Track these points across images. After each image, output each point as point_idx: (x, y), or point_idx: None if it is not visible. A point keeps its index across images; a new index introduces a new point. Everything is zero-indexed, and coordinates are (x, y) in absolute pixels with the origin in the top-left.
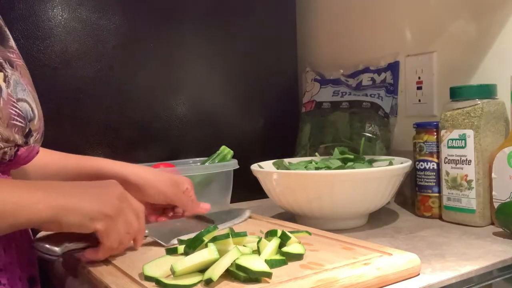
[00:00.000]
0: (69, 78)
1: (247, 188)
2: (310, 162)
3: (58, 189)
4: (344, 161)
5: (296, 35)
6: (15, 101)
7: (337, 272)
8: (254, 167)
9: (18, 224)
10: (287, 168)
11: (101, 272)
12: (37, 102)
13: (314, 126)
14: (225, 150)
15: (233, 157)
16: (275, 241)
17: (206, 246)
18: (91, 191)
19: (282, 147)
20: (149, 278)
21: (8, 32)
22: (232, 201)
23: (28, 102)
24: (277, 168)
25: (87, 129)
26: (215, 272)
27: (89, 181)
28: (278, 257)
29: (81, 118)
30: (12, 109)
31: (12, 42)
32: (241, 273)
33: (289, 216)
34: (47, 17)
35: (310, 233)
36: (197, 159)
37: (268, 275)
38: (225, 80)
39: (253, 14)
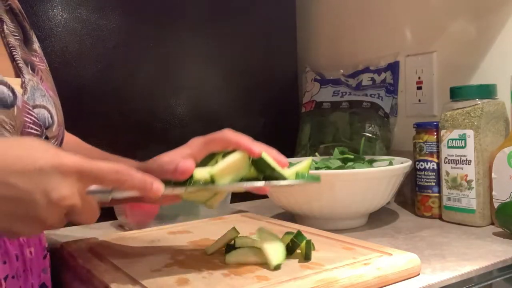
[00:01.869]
0: (69, 78)
1: None
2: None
3: None
4: (344, 161)
5: (296, 35)
6: (31, 108)
7: (337, 272)
8: None
9: None
10: None
11: (101, 272)
12: (58, 108)
13: (314, 126)
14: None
15: None
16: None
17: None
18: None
19: (282, 147)
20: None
21: (33, 35)
22: (232, 201)
23: (47, 108)
24: None
25: (87, 129)
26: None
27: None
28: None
29: (81, 118)
30: (27, 117)
31: (36, 46)
32: (264, 167)
33: (289, 216)
34: (47, 17)
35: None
36: None
37: (283, 177)
38: (225, 80)
39: (253, 14)
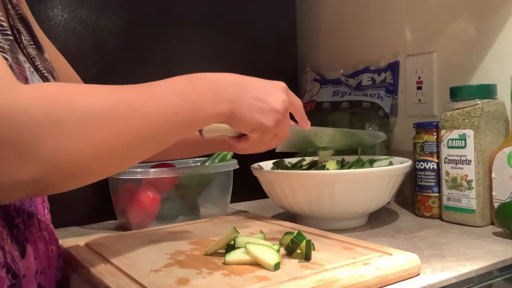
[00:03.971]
0: None
1: (247, 188)
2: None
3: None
4: (342, 165)
5: (296, 35)
6: None
7: (337, 272)
8: (254, 167)
9: (198, 118)
10: (287, 168)
11: (101, 272)
12: None
13: (314, 126)
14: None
15: (233, 157)
16: None
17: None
18: (258, 102)
19: None
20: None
21: (42, 45)
22: (232, 201)
23: None
24: (277, 168)
25: None
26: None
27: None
28: None
29: None
30: None
31: (46, 55)
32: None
33: (289, 216)
34: (47, 17)
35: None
36: (197, 159)
37: None
38: None
39: (253, 14)
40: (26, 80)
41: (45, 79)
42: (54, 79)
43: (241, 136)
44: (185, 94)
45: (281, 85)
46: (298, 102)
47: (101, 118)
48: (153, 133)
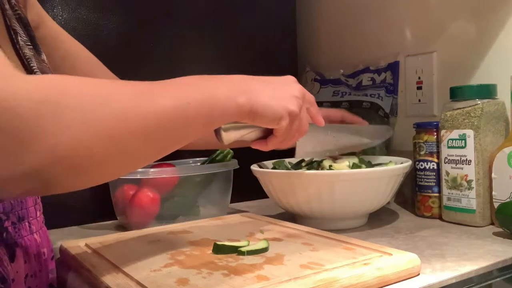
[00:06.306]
0: None
1: (247, 188)
2: (312, 162)
3: (249, 85)
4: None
5: (296, 35)
6: None
7: (337, 272)
8: (254, 167)
9: (214, 109)
10: (287, 168)
11: (101, 272)
12: None
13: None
14: (225, 150)
15: (233, 157)
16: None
17: None
18: (277, 91)
19: None
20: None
21: (40, 46)
22: (232, 201)
23: None
24: (277, 168)
25: None
26: None
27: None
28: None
29: None
30: None
31: (44, 56)
32: None
33: (289, 216)
34: None
35: None
36: (197, 159)
37: None
38: None
39: (253, 14)
40: None
41: None
42: None
43: (264, 137)
44: (196, 86)
45: (291, 77)
46: (310, 95)
47: (106, 104)
48: (163, 124)
